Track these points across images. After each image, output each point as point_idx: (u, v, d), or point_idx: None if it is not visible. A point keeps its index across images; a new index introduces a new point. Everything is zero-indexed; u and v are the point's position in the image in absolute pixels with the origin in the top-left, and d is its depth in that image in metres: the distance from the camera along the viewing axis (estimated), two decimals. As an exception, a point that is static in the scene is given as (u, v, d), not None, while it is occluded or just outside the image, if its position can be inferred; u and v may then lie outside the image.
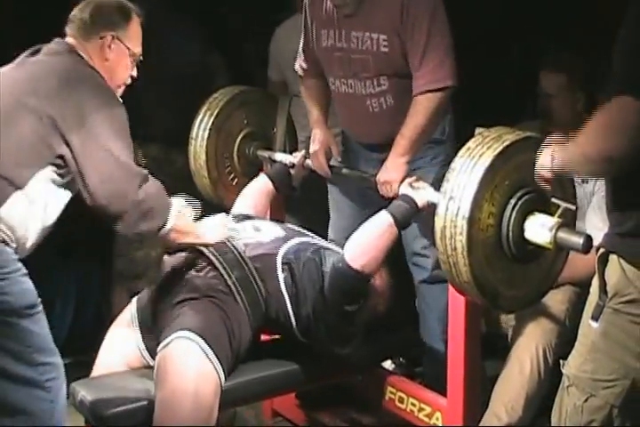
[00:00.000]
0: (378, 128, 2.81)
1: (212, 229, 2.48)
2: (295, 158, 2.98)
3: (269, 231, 2.64)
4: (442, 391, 2.53)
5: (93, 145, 2.22)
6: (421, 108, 2.64)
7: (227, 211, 2.90)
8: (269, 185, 2.95)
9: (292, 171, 2.98)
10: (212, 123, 3.12)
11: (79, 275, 4.11)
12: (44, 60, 2.36)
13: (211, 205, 3.25)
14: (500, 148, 2.09)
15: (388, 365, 3.09)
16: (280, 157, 3.06)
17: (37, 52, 2.40)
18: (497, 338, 3.11)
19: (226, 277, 2.41)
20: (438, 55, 2.64)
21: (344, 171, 2.92)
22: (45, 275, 4.00)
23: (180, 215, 2.35)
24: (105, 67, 2.42)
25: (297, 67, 3.05)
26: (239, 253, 2.46)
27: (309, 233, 2.71)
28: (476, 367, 2.43)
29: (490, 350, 2.73)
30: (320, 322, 2.44)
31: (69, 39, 2.42)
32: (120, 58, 2.45)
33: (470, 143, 2.13)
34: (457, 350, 2.39)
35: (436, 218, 2.13)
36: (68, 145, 2.22)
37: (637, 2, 1.80)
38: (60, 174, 2.27)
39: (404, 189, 2.51)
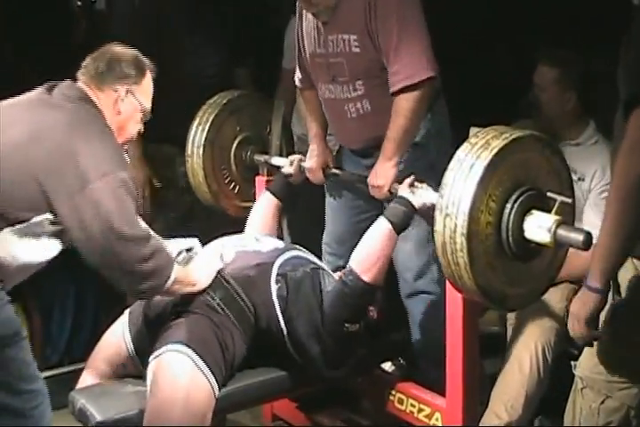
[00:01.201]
0: (357, 134, 2.81)
1: (205, 272, 2.44)
2: (291, 166, 2.97)
3: (269, 242, 2.65)
4: (439, 391, 2.53)
5: (90, 212, 2.14)
6: (400, 109, 2.62)
7: (231, 218, 2.92)
8: (274, 200, 2.96)
9: (290, 179, 2.99)
10: (205, 138, 3.14)
11: (77, 283, 4.11)
12: (57, 105, 2.28)
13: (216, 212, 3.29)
14: (490, 156, 2.08)
15: (387, 366, 3.09)
16: (276, 161, 3.06)
17: (51, 89, 2.34)
18: (495, 337, 3.11)
19: (210, 299, 2.41)
20: (411, 48, 2.60)
21: (339, 174, 2.93)
22: (43, 283, 4.04)
23: (179, 268, 2.31)
24: (116, 120, 2.36)
25: (295, 78, 3.05)
26: (220, 274, 2.45)
27: (307, 251, 2.71)
28: (475, 367, 2.43)
29: (488, 348, 2.72)
30: (316, 343, 2.44)
31: (82, 85, 2.37)
32: (132, 112, 2.40)
33: (460, 153, 2.13)
34: (455, 350, 2.39)
35: (435, 234, 2.14)
36: (58, 214, 2.16)
37: None
38: (54, 223, 2.20)
39: (402, 191, 2.50)
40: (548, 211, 2.12)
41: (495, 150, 2.09)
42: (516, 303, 2.32)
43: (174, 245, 2.41)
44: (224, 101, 3.18)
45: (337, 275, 2.63)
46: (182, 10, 3.48)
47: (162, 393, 2.24)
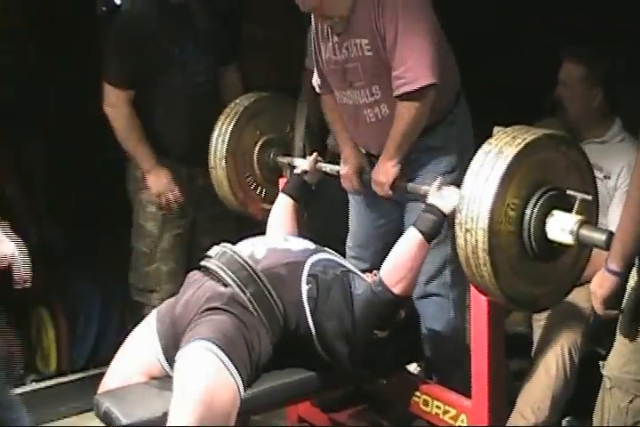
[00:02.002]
0: (376, 138, 2.79)
1: None
2: (307, 165, 2.98)
3: (298, 242, 2.65)
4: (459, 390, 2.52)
5: None
6: (401, 115, 2.64)
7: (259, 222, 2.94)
8: (290, 202, 2.95)
9: (306, 178, 2.98)
10: (227, 149, 3.15)
11: (103, 287, 4.13)
12: None
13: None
14: (504, 166, 2.07)
15: (412, 368, 3.07)
16: (299, 162, 3.06)
17: None
18: (521, 337, 3.09)
19: (241, 293, 2.40)
20: (415, 52, 2.58)
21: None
22: (70, 287, 4.07)
23: None
24: None
25: (314, 82, 3.03)
26: (252, 268, 2.45)
27: (336, 254, 2.70)
28: (500, 368, 2.41)
29: (514, 349, 2.70)
30: (345, 345, 2.43)
31: None
32: None
33: (474, 164, 2.11)
34: (480, 351, 2.37)
35: (457, 248, 2.14)
36: None
37: None
38: None
39: (432, 198, 2.45)
40: (570, 209, 2.10)
41: (509, 158, 2.07)
42: (546, 303, 2.32)
43: None
44: (240, 109, 3.18)
45: (366, 276, 2.62)
46: (164, 18, 3.44)
47: (186, 391, 2.23)
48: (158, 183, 3.49)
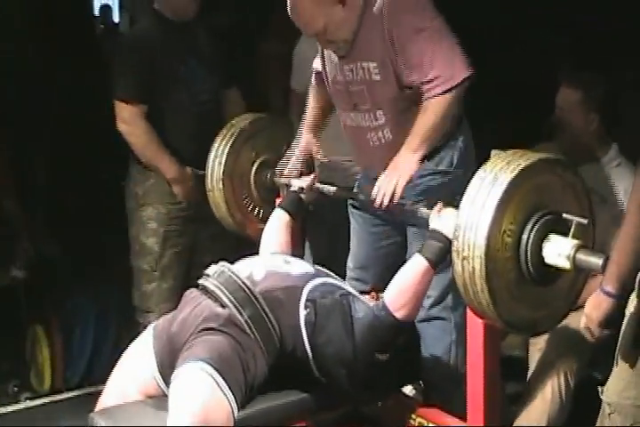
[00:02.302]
0: (379, 161, 2.78)
1: None
2: (304, 182, 2.99)
3: (299, 265, 2.63)
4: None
5: None
6: (431, 106, 2.61)
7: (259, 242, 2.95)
8: (286, 217, 2.94)
9: (302, 196, 2.99)
10: (224, 172, 3.15)
11: (99, 304, 4.13)
12: None
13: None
14: (500, 192, 2.06)
15: (407, 390, 3.07)
16: (296, 182, 3.06)
17: None
18: (517, 360, 3.08)
19: (238, 315, 2.39)
20: (443, 54, 2.59)
21: (361, 197, 2.92)
22: (65, 304, 4.07)
23: None
24: None
25: (296, 85, 3.11)
26: (250, 290, 2.44)
27: (336, 277, 2.69)
28: (497, 391, 2.40)
29: (510, 372, 2.70)
30: (343, 369, 2.41)
31: None
32: None
33: (470, 191, 2.12)
34: (476, 374, 2.36)
35: (455, 275, 2.14)
36: None
37: None
38: None
39: (434, 223, 2.43)
40: (567, 232, 2.10)
41: (505, 185, 2.07)
42: (545, 326, 2.32)
43: None
44: (237, 131, 3.18)
45: (365, 298, 2.62)
46: (169, 39, 3.50)
47: (181, 411, 2.22)
48: (186, 189, 3.53)
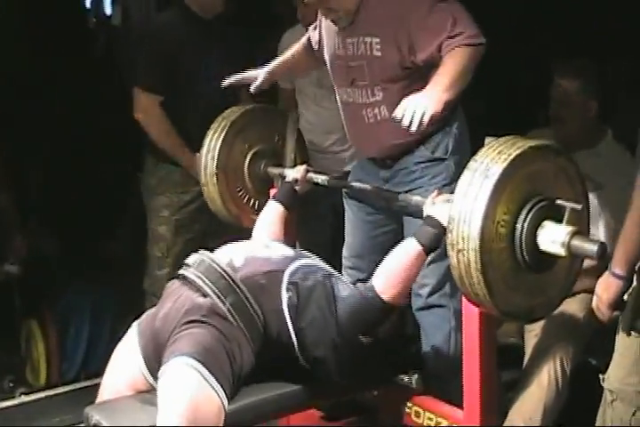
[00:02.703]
0: (373, 140, 2.79)
1: None
2: (297, 173, 2.97)
3: (279, 249, 2.61)
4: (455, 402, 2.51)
5: None
6: (460, 54, 2.55)
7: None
8: (280, 208, 2.94)
9: (296, 187, 2.98)
10: (217, 166, 3.14)
11: (94, 298, 4.12)
12: None
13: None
14: (492, 185, 2.05)
15: (406, 378, 3.06)
16: (290, 173, 3.06)
17: None
18: (513, 348, 3.08)
19: (220, 304, 2.37)
20: (465, 19, 2.58)
21: (356, 185, 2.91)
22: (60, 298, 4.06)
23: None
24: None
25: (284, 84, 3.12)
26: (231, 277, 2.42)
27: (317, 258, 2.67)
28: (493, 379, 2.40)
29: (506, 359, 2.70)
30: (327, 353, 2.39)
31: None
32: None
33: (462, 184, 2.10)
34: (472, 363, 2.36)
35: (451, 267, 2.14)
36: None
37: None
38: None
39: (429, 210, 2.41)
40: (561, 218, 2.09)
41: (496, 176, 2.05)
42: (542, 312, 2.31)
43: None
44: (228, 124, 3.17)
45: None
46: (193, 33, 3.54)
47: (170, 409, 2.21)
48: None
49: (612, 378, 2.08)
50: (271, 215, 2.92)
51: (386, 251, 2.95)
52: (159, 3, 6.83)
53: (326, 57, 2.89)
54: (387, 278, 2.37)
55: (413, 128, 2.38)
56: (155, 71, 3.52)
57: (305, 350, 2.41)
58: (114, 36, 8.53)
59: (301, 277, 2.46)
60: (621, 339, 2.06)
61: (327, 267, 2.62)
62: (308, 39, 3.06)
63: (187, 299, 2.41)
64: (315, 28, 3.01)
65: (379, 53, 2.66)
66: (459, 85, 2.55)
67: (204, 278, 2.42)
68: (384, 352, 2.51)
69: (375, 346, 2.45)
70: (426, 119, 2.38)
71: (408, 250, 2.37)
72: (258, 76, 3.10)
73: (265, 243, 2.66)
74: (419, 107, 2.39)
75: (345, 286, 2.47)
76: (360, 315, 2.39)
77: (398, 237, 2.88)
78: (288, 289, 2.43)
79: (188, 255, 3.54)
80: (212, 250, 2.58)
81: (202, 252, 2.53)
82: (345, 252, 3.13)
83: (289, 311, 2.41)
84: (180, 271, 2.51)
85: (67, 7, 6.59)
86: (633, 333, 2.03)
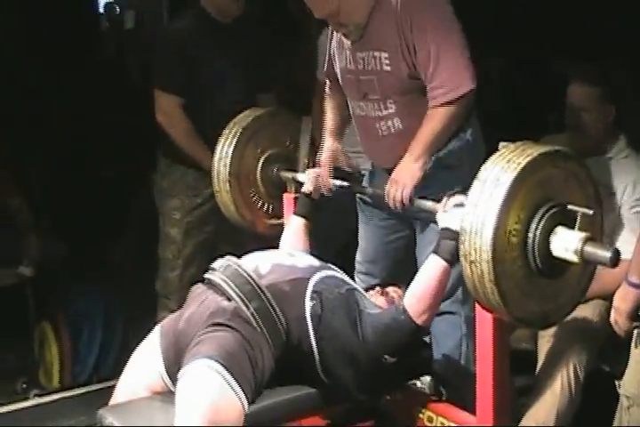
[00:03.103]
0: (388, 152, 2.78)
1: None
2: (309, 182, 2.96)
3: (304, 258, 2.63)
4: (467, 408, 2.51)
5: None
6: (437, 114, 2.60)
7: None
8: (301, 222, 2.93)
9: (313, 195, 2.97)
10: (229, 173, 3.14)
11: (106, 302, 4.13)
12: None
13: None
14: (503, 195, 2.04)
15: (417, 384, 3.06)
16: (303, 177, 3.06)
17: None
18: (526, 353, 3.08)
19: (244, 308, 2.38)
20: (451, 61, 2.57)
21: (369, 191, 2.92)
22: (73, 302, 4.08)
23: None
24: None
25: (326, 88, 3.05)
26: (256, 283, 2.43)
27: (341, 271, 2.68)
28: (506, 385, 2.39)
29: (519, 365, 2.70)
30: (347, 368, 2.41)
31: None
32: None
33: (473, 195, 2.10)
34: (486, 368, 2.35)
35: (465, 278, 2.14)
36: None
37: None
38: None
39: (442, 219, 2.42)
40: (574, 223, 2.08)
41: (506, 187, 2.04)
42: (557, 317, 2.30)
43: None
44: (239, 130, 3.17)
45: (370, 294, 2.62)
46: (210, 37, 3.56)
47: (190, 409, 2.21)
48: None
49: (628, 384, 2.08)
50: (295, 232, 2.92)
51: (399, 257, 2.98)
52: (172, 7, 6.87)
53: (337, 70, 2.88)
54: (420, 302, 2.36)
55: (399, 208, 2.64)
56: (175, 73, 3.54)
57: (325, 362, 2.42)
58: (126, 39, 8.59)
59: (326, 288, 2.47)
60: (637, 345, 2.05)
61: (351, 281, 2.63)
62: (330, 69, 3.00)
63: (211, 302, 2.42)
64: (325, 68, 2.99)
65: (388, 68, 2.66)
66: (434, 147, 2.65)
67: (230, 282, 2.43)
68: (401, 366, 2.50)
69: (397, 364, 2.44)
70: (405, 196, 2.62)
71: (434, 268, 2.37)
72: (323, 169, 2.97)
73: (290, 252, 2.68)
74: (398, 188, 2.63)
75: (370, 304, 2.48)
76: (391, 336, 2.39)
77: (411, 244, 2.89)
78: (312, 298, 2.44)
79: (198, 257, 3.66)
80: (223, 253, 2.59)
81: (228, 257, 2.54)
82: (358, 257, 3.13)
83: (311, 320, 2.42)
84: (206, 275, 2.52)
85: (79, 10, 6.62)
86: None
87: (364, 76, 2.73)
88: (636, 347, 2.08)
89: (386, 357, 2.40)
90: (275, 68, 3.92)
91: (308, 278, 2.48)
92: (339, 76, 2.89)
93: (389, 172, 2.82)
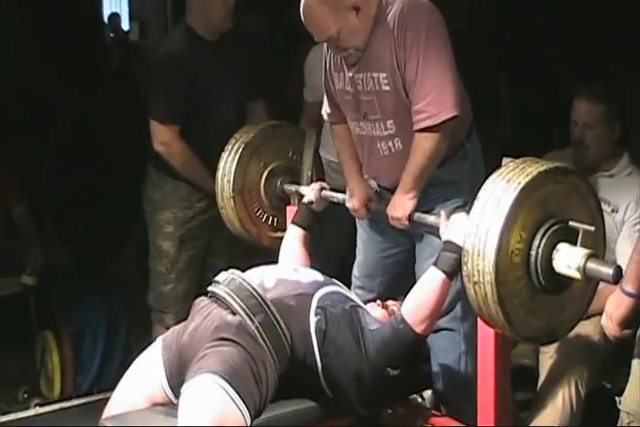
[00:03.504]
0: (388, 171, 2.78)
1: None
2: (312, 193, 2.98)
3: (308, 273, 2.63)
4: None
5: None
6: (420, 147, 2.61)
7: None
8: (300, 232, 2.95)
9: (313, 207, 2.99)
10: (233, 190, 3.15)
11: (108, 311, 4.14)
12: None
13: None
14: (504, 216, 2.05)
15: (416, 398, 3.06)
16: (307, 190, 3.06)
17: None
18: (528, 369, 3.08)
19: (249, 322, 2.38)
20: (435, 86, 2.56)
21: (370, 204, 2.90)
22: (75, 311, 4.08)
23: None
24: None
25: (323, 112, 3.02)
26: (261, 297, 2.43)
27: (345, 287, 2.69)
28: (507, 399, 2.39)
29: (521, 381, 2.70)
30: (350, 381, 2.41)
31: None
32: None
33: (474, 215, 2.11)
34: (487, 383, 2.35)
35: (469, 298, 2.15)
36: None
37: None
38: None
39: (444, 233, 2.42)
40: (576, 239, 2.09)
41: (507, 207, 2.06)
42: (562, 331, 2.31)
43: None
44: (242, 146, 3.17)
45: (370, 306, 2.63)
46: (201, 57, 3.51)
47: (193, 423, 2.22)
48: None
49: (629, 400, 2.07)
50: (293, 241, 2.93)
51: (397, 271, 2.97)
52: (176, 19, 6.90)
53: (334, 91, 2.87)
54: (417, 311, 2.38)
55: (403, 227, 2.72)
56: (168, 101, 3.49)
57: (329, 377, 2.43)
58: (131, 50, 8.62)
59: (330, 303, 2.48)
60: (638, 362, 2.06)
61: (354, 297, 2.64)
62: (328, 102, 2.97)
63: (216, 316, 2.42)
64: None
65: (387, 88, 2.65)
66: (424, 177, 2.68)
67: (234, 296, 2.43)
68: (401, 378, 2.51)
69: (399, 377, 2.45)
70: (404, 223, 2.70)
71: (432, 280, 2.38)
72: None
73: (294, 267, 2.68)
74: (396, 215, 2.70)
75: (372, 319, 2.49)
76: (391, 347, 2.40)
77: (410, 258, 2.89)
78: (317, 313, 2.44)
79: (190, 271, 3.63)
80: (215, 267, 2.60)
81: (232, 271, 2.54)
82: (355, 271, 3.13)
83: (316, 335, 2.42)
84: (210, 288, 2.52)
85: (84, 22, 6.66)
86: None
87: (363, 96, 2.72)
88: (634, 356, 2.09)
89: (389, 370, 2.41)
90: (264, 76, 3.90)
91: (313, 294, 2.49)
92: (336, 98, 2.88)
93: (389, 190, 2.83)
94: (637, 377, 2.04)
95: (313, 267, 2.77)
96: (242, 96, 3.63)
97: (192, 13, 3.54)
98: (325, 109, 3.00)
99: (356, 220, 3.07)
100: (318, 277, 2.62)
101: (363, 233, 3.07)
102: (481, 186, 2.17)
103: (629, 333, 2.13)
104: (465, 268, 2.12)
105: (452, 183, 2.75)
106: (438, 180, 2.73)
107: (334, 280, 2.67)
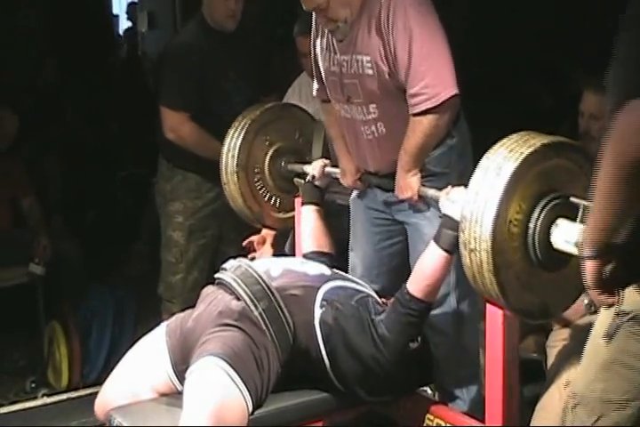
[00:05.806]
0: (372, 155, 2.77)
1: None
2: (315, 170, 2.99)
3: (315, 266, 2.64)
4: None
5: None
6: (420, 126, 2.57)
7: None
8: (313, 209, 2.97)
9: (317, 183, 3.00)
10: (237, 164, 3.15)
11: (116, 302, 4.15)
12: None
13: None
14: (504, 184, 2.05)
15: (424, 391, 3.06)
16: (309, 171, 3.06)
17: None
18: (534, 363, 3.08)
19: (252, 308, 2.39)
20: (432, 67, 2.53)
21: (372, 179, 2.89)
22: (82, 302, 4.09)
23: None
24: None
25: (313, 90, 3.02)
26: (266, 284, 2.44)
27: (353, 278, 2.70)
28: (515, 392, 2.39)
29: (527, 375, 2.69)
30: (362, 373, 2.42)
31: None
32: None
33: (473, 184, 2.11)
34: (495, 375, 2.35)
35: (464, 267, 2.14)
36: None
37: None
38: None
39: (445, 208, 2.41)
40: (576, 215, 2.07)
41: (508, 176, 2.05)
42: (556, 310, 2.31)
43: None
44: (248, 122, 3.17)
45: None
46: (214, 49, 3.56)
47: (196, 407, 2.23)
48: None
49: (577, 383, 2.02)
50: (309, 221, 2.95)
51: (393, 264, 2.95)
52: (184, 10, 6.90)
53: (321, 71, 2.86)
54: (422, 286, 2.39)
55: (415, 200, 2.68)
56: (179, 89, 3.54)
57: (337, 369, 2.44)
58: (140, 41, 8.63)
59: (337, 298, 2.48)
60: (591, 344, 2.00)
61: (361, 288, 2.63)
62: (317, 80, 2.95)
63: (220, 302, 2.44)
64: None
65: (370, 71, 2.62)
66: (423, 156, 2.65)
67: (240, 282, 2.44)
68: (410, 369, 2.51)
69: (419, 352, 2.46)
70: (415, 200, 2.67)
71: (433, 257, 2.40)
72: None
73: (302, 260, 2.70)
74: (405, 195, 2.68)
75: (378, 308, 2.49)
76: (403, 322, 2.41)
77: (405, 250, 2.87)
78: (322, 305, 2.45)
79: (200, 261, 3.68)
80: (226, 256, 2.60)
81: (240, 259, 2.56)
82: (351, 265, 3.08)
83: (320, 327, 2.43)
84: (217, 275, 2.54)
85: (94, 13, 6.67)
86: (603, 340, 1.95)
87: (347, 79, 2.70)
88: (589, 338, 2.01)
89: (410, 344, 2.41)
90: (276, 71, 3.91)
91: (319, 287, 2.50)
92: (324, 79, 2.86)
93: (374, 175, 2.81)
94: (590, 361, 1.98)
95: (321, 260, 2.76)
96: (254, 91, 3.66)
97: (205, 5, 3.59)
98: (315, 86, 2.99)
99: (351, 215, 3.05)
100: (325, 270, 2.63)
101: (356, 227, 3.04)
102: (470, 175, 2.16)
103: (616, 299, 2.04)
104: (462, 235, 2.12)
105: (439, 174, 2.71)
106: (425, 171, 2.69)
107: (342, 273, 2.67)
